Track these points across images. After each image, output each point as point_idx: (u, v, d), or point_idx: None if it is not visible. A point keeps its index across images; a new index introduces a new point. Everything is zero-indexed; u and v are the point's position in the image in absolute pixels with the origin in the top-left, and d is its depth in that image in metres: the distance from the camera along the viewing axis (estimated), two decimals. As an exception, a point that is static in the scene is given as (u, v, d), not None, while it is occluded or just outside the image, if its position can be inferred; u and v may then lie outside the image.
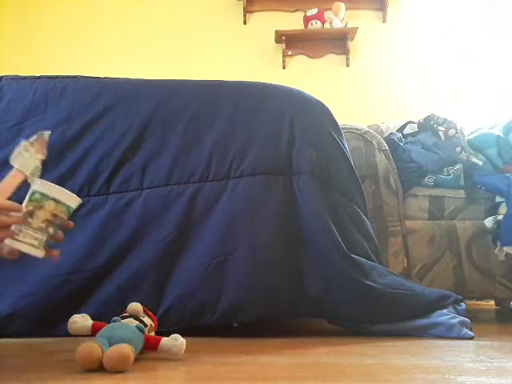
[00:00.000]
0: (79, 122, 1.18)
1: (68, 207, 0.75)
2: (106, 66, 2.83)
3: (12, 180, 0.75)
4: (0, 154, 1.16)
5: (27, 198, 0.74)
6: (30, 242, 0.71)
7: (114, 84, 1.25)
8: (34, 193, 0.74)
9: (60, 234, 0.75)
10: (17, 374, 0.71)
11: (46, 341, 1.01)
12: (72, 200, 0.76)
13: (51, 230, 0.73)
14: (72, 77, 1.26)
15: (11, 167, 0.77)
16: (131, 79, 1.28)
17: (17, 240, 0.71)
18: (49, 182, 0.75)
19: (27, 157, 0.77)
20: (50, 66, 2.65)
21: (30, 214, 0.72)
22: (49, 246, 0.74)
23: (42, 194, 0.73)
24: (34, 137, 0.79)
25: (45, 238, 0.73)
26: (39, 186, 0.74)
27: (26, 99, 1.21)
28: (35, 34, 3.25)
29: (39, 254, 0.73)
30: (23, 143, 0.78)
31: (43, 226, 0.72)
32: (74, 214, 0.78)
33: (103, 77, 1.28)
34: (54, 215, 0.73)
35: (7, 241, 0.71)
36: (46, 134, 0.80)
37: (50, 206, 0.73)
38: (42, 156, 0.79)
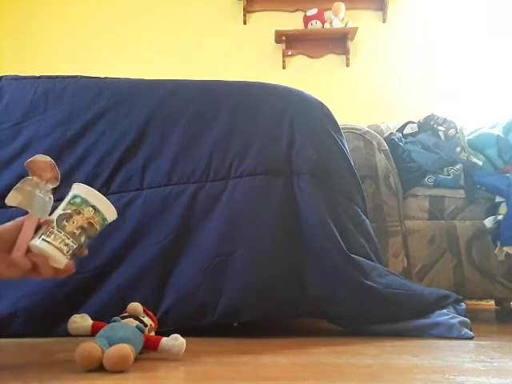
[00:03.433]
0: (79, 122, 1.18)
1: (104, 219, 0.72)
2: (106, 65, 2.83)
3: (30, 226, 0.67)
4: (0, 154, 1.16)
5: (66, 200, 0.70)
6: (59, 246, 0.66)
7: (114, 84, 1.25)
8: (75, 196, 0.70)
9: (85, 250, 0.71)
10: (17, 374, 0.70)
11: (45, 341, 1.01)
12: (110, 212, 0.73)
13: (83, 239, 0.69)
14: (72, 77, 1.26)
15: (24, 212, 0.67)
16: (131, 79, 1.28)
17: (47, 242, 0.66)
18: (91, 188, 0.72)
19: (39, 195, 0.68)
20: (50, 66, 2.65)
21: (67, 217, 0.68)
22: (73, 256, 0.69)
23: (83, 200, 0.70)
24: (36, 162, 0.69)
25: (75, 247, 0.68)
26: (82, 190, 0.71)
27: (25, 99, 1.21)
28: (35, 34, 3.25)
29: (62, 261, 0.67)
30: (31, 180, 0.68)
31: (77, 232, 0.68)
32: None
33: (103, 77, 1.28)
34: (90, 224, 0.69)
35: (36, 242, 0.65)
36: (45, 157, 0.71)
37: (88, 212, 0.69)
38: (54, 184, 0.70)
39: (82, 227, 0.68)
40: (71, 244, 0.67)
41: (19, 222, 0.68)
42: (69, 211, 0.69)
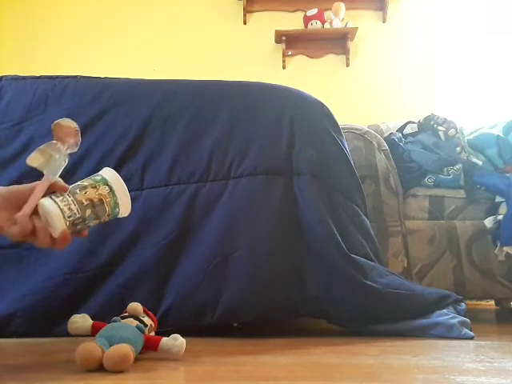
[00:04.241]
0: (79, 122, 1.15)
1: (117, 204, 0.73)
2: (106, 66, 2.83)
3: (42, 188, 0.69)
4: (0, 154, 1.17)
5: (90, 176, 0.73)
6: (62, 208, 0.67)
7: (114, 84, 1.25)
8: (97, 175, 0.73)
9: (86, 230, 0.72)
10: (17, 374, 0.70)
11: (45, 341, 1.01)
12: (125, 202, 0.74)
13: (88, 212, 0.69)
14: (72, 77, 1.26)
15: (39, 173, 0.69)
16: (131, 79, 1.28)
17: (53, 201, 0.67)
18: (118, 176, 0.74)
19: (58, 159, 0.70)
20: (50, 66, 2.65)
21: (81, 187, 0.70)
22: (73, 226, 0.69)
23: (103, 179, 0.72)
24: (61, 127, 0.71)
25: (77, 215, 0.68)
26: (107, 173, 0.73)
27: (25, 99, 1.21)
28: (35, 34, 3.25)
29: (60, 224, 0.67)
30: (55, 144, 0.70)
31: (85, 203, 0.69)
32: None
33: (103, 77, 1.28)
34: (101, 201, 0.70)
35: (44, 200, 0.67)
36: (71, 122, 0.73)
37: (103, 190, 0.71)
38: (73, 149, 0.72)
39: (91, 200, 0.70)
40: (75, 211, 0.68)
41: (35, 184, 0.70)
42: (85, 183, 0.71)
